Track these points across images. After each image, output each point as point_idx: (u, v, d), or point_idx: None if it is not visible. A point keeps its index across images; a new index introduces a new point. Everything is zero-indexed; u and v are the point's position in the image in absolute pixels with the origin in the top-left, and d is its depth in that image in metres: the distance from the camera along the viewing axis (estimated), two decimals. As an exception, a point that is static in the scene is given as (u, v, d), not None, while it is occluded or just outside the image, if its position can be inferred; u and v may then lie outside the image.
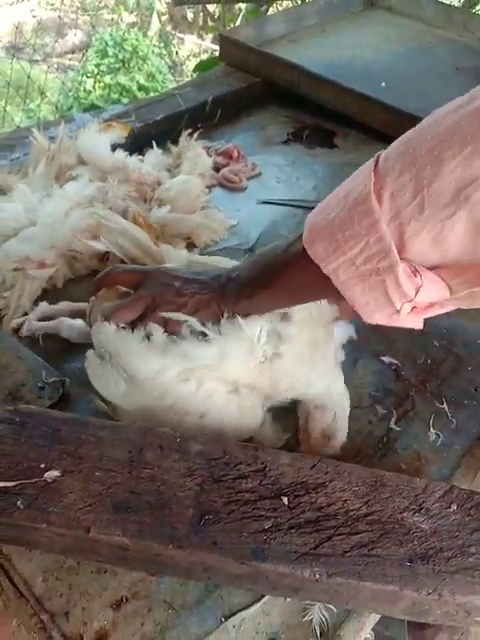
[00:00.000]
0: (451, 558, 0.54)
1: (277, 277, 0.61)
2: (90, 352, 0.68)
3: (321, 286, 0.56)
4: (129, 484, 0.55)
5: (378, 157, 0.52)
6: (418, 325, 0.57)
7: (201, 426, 0.66)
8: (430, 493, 0.59)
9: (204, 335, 0.64)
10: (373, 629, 1.38)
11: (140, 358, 0.63)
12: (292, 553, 0.52)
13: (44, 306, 0.82)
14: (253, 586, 0.56)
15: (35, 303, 0.84)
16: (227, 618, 0.56)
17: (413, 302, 0.52)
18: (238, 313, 0.64)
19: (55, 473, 0.54)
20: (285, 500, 0.56)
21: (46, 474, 0.54)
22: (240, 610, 0.57)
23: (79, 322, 0.77)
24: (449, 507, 0.58)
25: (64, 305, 0.82)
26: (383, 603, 0.55)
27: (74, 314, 0.80)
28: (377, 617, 0.61)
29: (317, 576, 0.52)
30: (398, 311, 0.53)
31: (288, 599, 0.58)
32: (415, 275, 0.51)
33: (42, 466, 0.55)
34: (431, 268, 0.51)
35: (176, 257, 0.80)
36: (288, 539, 0.53)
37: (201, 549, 0.52)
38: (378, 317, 0.55)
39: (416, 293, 0.51)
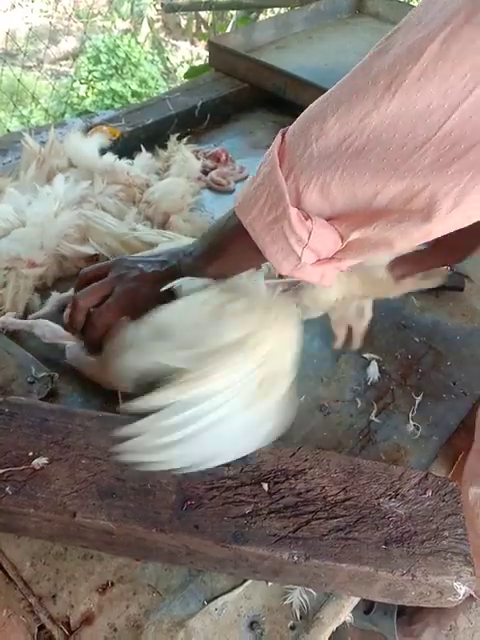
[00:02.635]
0: (425, 541, 0.57)
1: (223, 247, 0.67)
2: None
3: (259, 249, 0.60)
4: (114, 471, 0.57)
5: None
6: (325, 281, 0.60)
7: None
8: (406, 480, 0.61)
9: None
10: (363, 627, 1.41)
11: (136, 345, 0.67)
12: (271, 536, 0.54)
13: (57, 296, 0.84)
14: (234, 570, 0.58)
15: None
16: (209, 602, 0.58)
17: (311, 249, 0.56)
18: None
19: (43, 461, 0.56)
20: (265, 486, 0.58)
21: (34, 462, 0.56)
22: (222, 594, 0.59)
23: (53, 323, 0.79)
24: (424, 493, 0.61)
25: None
26: (360, 585, 0.57)
27: None
28: (356, 600, 0.63)
29: (296, 558, 0.54)
30: (300, 258, 0.57)
31: (269, 583, 0.60)
32: (306, 220, 0.54)
33: (30, 454, 0.57)
34: (328, 219, 0.55)
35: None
36: (268, 523, 0.55)
37: (183, 533, 0.54)
38: (286, 266, 0.58)
39: (309, 236, 0.55)
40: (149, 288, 0.71)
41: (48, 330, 0.77)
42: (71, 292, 0.83)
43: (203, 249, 0.70)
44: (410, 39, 0.45)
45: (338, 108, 0.49)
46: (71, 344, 0.76)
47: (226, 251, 0.67)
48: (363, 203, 0.51)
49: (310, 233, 0.55)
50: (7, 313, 0.82)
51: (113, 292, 0.72)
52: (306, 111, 0.54)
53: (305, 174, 0.52)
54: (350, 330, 0.81)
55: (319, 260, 0.58)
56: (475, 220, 0.49)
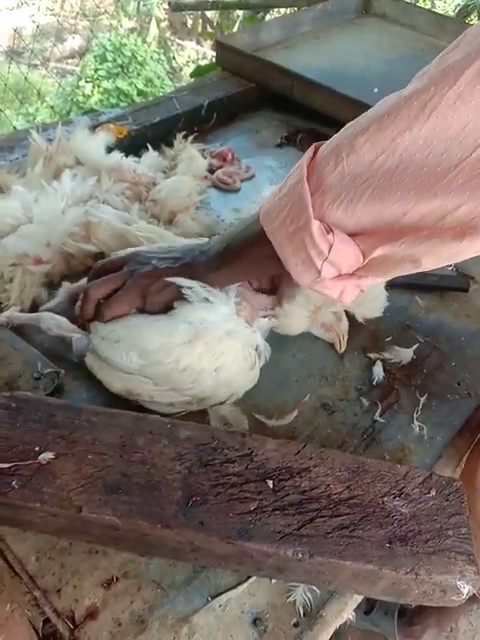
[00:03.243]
0: (429, 540, 0.57)
1: (241, 251, 0.67)
2: (88, 356, 0.73)
3: (277, 258, 0.60)
4: (120, 467, 0.57)
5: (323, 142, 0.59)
6: (345, 297, 0.61)
7: (216, 380, 0.71)
8: (410, 479, 0.61)
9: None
10: (364, 628, 1.41)
11: (150, 329, 0.70)
12: (276, 533, 0.54)
13: (67, 286, 0.85)
14: (239, 566, 0.58)
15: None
16: (213, 598, 0.58)
17: (332, 264, 0.57)
18: (207, 284, 0.70)
19: (49, 455, 0.56)
20: (270, 483, 0.58)
21: (40, 456, 0.56)
22: (226, 590, 0.59)
23: (59, 317, 0.79)
24: (428, 492, 0.61)
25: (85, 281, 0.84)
26: (364, 583, 0.57)
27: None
28: (359, 599, 0.63)
29: (300, 555, 0.54)
30: (320, 272, 0.57)
31: (273, 580, 0.61)
32: (328, 233, 0.55)
33: (37, 449, 0.57)
34: (351, 235, 0.56)
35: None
36: (272, 520, 0.55)
37: (188, 529, 0.54)
38: (306, 279, 0.59)
39: (329, 250, 0.55)
40: (160, 284, 0.71)
41: (53, 323, 0.78)
42: (82, 282, 0.83)
43: (219, 250, 0.70)
44: (445, 62, 0.47)
45: (370, 127, 0.51)
46: (77, 337, 0.76)
47: (243, 256, 0.67)
48: (390, 221, 0.52)
49: (331, 247, 0.55)
50: (11, 307, 0.83)
51: (124, 285, 0.72)
52: (342, 129, 0.56)
53: (333, 190, 0.53)
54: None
55: (339, 275, 0.58)
56: None
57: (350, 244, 0.56)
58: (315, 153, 0.57)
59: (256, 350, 0.75)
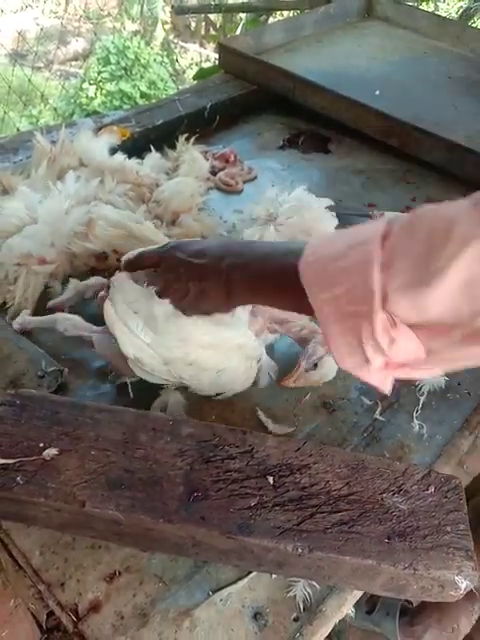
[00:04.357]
0: (427, 536, 0.57)
1: (272, 285, 0.62)
2: (107, 305, 0.73)
3: (308, 308, 0.55)
4: (123, 463, 0.58)
5: (396, 218, 0.53)
6: (385, 386, 0.56)
7: (214, 380, 0.73)
8: (409, 476, 0.62)
9: None
10: (365, 628, 1.41)
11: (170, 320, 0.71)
12: (276, 528, 0.55)
13: (76, 283, 0.86)
14: (239, 561, 0.59)
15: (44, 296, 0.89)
16: (215, 592, 0.59)
17: (385, 356, 0.51)
18: (237, 303, 0.69)
19: (53, 451, 0.57)
20: (270, 480, 0.59)
21: (45, 452, 0.57)
22: (227, 585, 0.60)
23: (74, 316, 0.80)
24: (427, 489, 0.61)
25: (95, 279, 0.86)
26: (363, 578, 0.57)
27: (101, 287, 0.84)
28: (358, 594, 0.63)
29: (299, 550, 0.55)
30: (368, 362, 0.52)
31: (273, 576, 0.61)
32: (392, 328, 0.49)
33: (41, 445, 0.58)
34: (411, 326, 0.50)
35: None
36: (272, 516, 0.56)
37: (190, 523, 0.55)
38: (349, 363, 0.54)
39: (389, 346, 0.50)
40: (196, 288, 0.68)
41: (69, 324, 0.79)
42: (91, 280, 0.85)
43: (252, 275, 0.64)
44: None
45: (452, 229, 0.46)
46: (97, 336, 0.77)
47: (273, 291, 0.62)
48: (467, 317, 0.46)
49: (392, 343, 0.50)
50: (22, 312, 0.83)
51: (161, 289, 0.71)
52: (418, 213, 0.50)
53: (403, 276, 0.47)
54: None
55: (388, 365, 0.53)
56: None
57: (413, 340, 0.50)
58: (390, 228, 0.50)
59: (258, 362, 0.77)
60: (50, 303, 0.85)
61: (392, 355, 0.51)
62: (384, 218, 0.53)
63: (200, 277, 0.67)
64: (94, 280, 0.86)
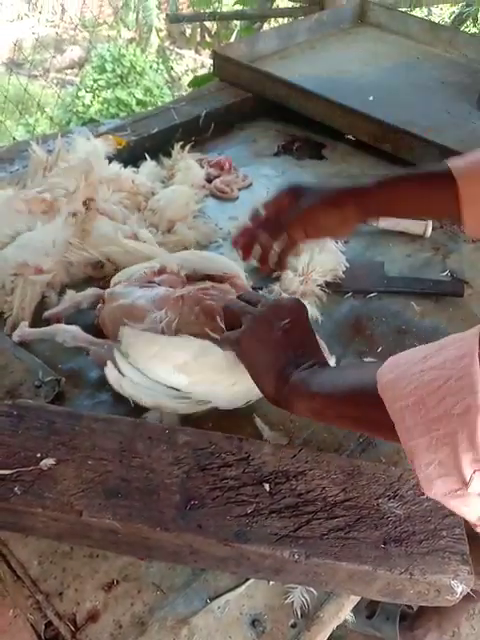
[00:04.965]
0: (423, 541, 0.58)
1: (344, 405, 0.56)
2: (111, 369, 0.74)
3: (390, 432, 0.46)
4: (120, 472, 0.58)
5: None
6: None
7: (230, 389, 0.73)
8: (405, 481, 0.63)
9: None
10: (366, 632, 1.41)
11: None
12: (273, 535, 0.56)
13: (72, 294, 0.86)
14: (237, 568, 0.59)
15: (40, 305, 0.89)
16: (212, 600, 0.59)
17: None
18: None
19: (50, 461, 0.58)
20: (267, 487, 0.59)
21: (42, 462, 0.58)
22: (225, 592, 0.60)
23: (73, 328, 0.81)
24: (422, 494, 0.62)
25: (91, 291, 0.87)
26: (359, 583, 0.58)
27: (97, 298, 0.85)
28: (356, 600, 0.64)
29: (296, 557, 0.55)
30: (466, 484, 0.41)
31: (271, 582, 0.62)
32: None
33: (38, 455, 0.58)
34: None
35: (180, 257, 0.88)
36: (269, 522, 0.57)
37: (187, 532, 0.55)
38: (440, 487, 0.43)
39: None
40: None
41: (69, 336, 0.79)
42: (88, 292, 0.86)
43: (327, 394, 0.58)
44: None
45: None
46: (95, 348, 0.77)
47: (342, 411, 0.56)
48: None
49: None
50: (21, 324, 0.84)
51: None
52: None
53: None
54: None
55: None
56: None
57: None
58: None
59: None
60: (46, 314, 0.85)
61: None
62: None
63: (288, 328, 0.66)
64: (91, 291, 0.86)
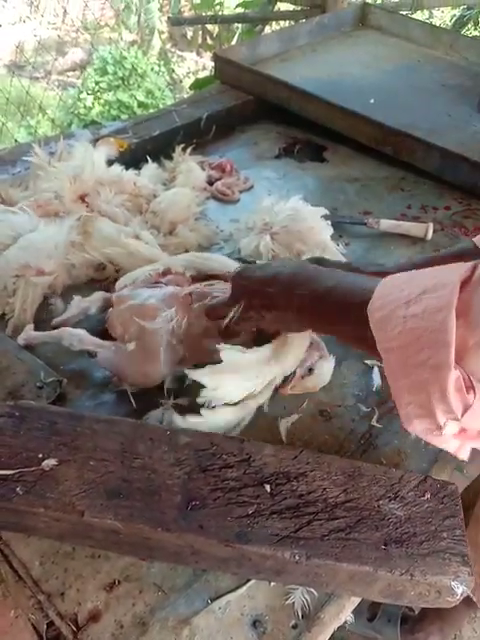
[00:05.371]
0: (424, 542, 0.58)
1: (337, 321, 0.60)
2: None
3: (374, 349, 0.51)
4: (121, 473, 0.59)
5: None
6: (462, 454, 0.51)
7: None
8: (405, 482, 0.63)
9: None
10: (367, 635, 1.41)
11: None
12: (273, 536, 0.56)
13: (79, 299, 0.86)
14: (238, 569, 0.59)
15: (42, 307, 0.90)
16: (213, 600, 0.60)
17: (460, 422, 0.46)
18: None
19: (52, 462, 0.58)
20: (267, 488, 0.59)
21: (44, 463, 0.58)
22: (226, 593, 0.60)
23: (79, 331, 0.81)
24: (423, 495, 0.62)
25: (98, 295, 0.87)
26: (360, 584, 0.58)
27: (104, 302, 0.85)
28: (356, 601, 0.64)
29: (297, 558, 0.55)
30: (441, 428, 0.46)
31: (272, 583, 0.62)
32: (468, 391, 0.44)
33: (40, 456, 0.59)
34: None
35: (183, 259, 0.88)
36: (270, 523, 0.57)
37: (188, 532, 0.55)
38: (417, 426, 0.48)
39: (463, 412, 0.44)
40: (268, 316, 0.68)
41: (76, 339, 0.79)
42: (95, 296, 0.86)
43: (319, 310, 0.62)
44: None
45: None
46: (103, 351, 0.78)
47: (338, 326, 0.60)
48: None
49: (466, 408, 0.44)
50: (26, 327, 0.84)
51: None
52: None
53: None
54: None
55: (464, 431, 0.48)
56: None
57: None
58: (473, 273, 0.45)
59: None
60: (54, 322, 0.85)
61: (466, 422, 0.45)
62: (471, 263, 0.47)
63: (270, 307, 0.67)
64: (98, 295, 0.87)
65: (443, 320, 0.43)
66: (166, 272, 0.85)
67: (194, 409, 0.70)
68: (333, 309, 0.60)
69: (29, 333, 0.83)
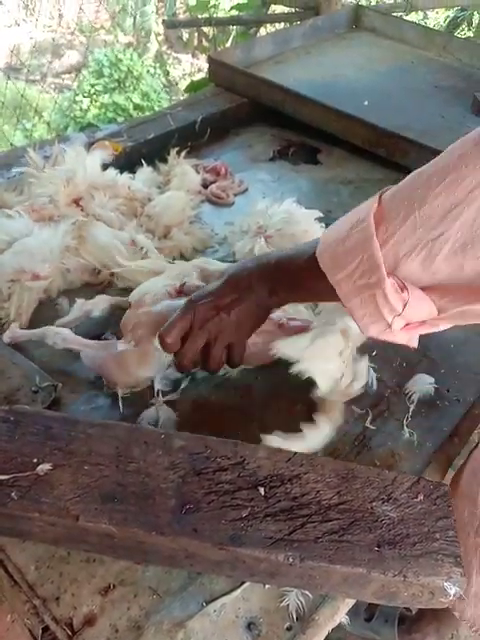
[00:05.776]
0: (417, 543, 0.58)
1: (300, 282, 0.66)
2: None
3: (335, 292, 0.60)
4: (116, 477, 0.59)
5: (387, 189, 0.58)
6: (412, 343, 0.61)
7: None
8: (399, 484, 0.63)
9: None
10: (364, 636, 1.41)
11: None
12: (267, 539, 0.56)
13: (82, 303, 0.86)
14: (232, 572, 0.59)
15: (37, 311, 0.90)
16: (208, 603, 0.60)
17: (403, 317, 0.57)
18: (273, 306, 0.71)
19: (47, 467, 0.58)
20: (261, 491, 0.60)
21: (38, 468, 0.58)
22: (221, 596, 0.61)
23: (63, 330, 0.81)
24: (416, 497, 0.62)
25: (101, 299, 0.87)
26: (354, 586, 0.58)
27: (107, 305, 0.86)
28: (351, 602, 0.64)
29: (291, 560, 0.55)
30: (390, 325, 0.57)
31: (266, 586, 0.62)
32: (403, 291, 0.55)
33: (35, 460, 0.59)
34: (422, 289, 0.56)
35: (192, 266, 0.86)
36: (264, 526, 0.57)
37: (182, 536, 0.55)
38: (373, 330, 0.59)
39: (403, 307, 0.55)
40: (237, 314, 0.69)
41: (59, 338, 0.79)
42: (97, 299, 0.86)
43: (279, 281, 0.67)
44: None
45: (445, 177, 0.50)
46: (86, 351, 0.78)
47: (303, 287, 0.66)
48: (471, 276, 0.51)
49: (405, 304, 0.55)
50: (12, 325, 0.84)
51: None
52: (408, 178, 0.56)
53: (408, 242, 0.53)
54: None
55: (408, 325, 0.58)
56: None
57: (425, 300, 0.56)
58: (380, 202, 0.56)
59: None
60: (57, 323, 0.85)
61: (408, 315, 0.56)
62: (377, 194, 0.58)
63: (235, 304, 0.69)
64: (101, 299, 0.87)
65: (369, 245, 0.54)
66: (181, 288, 0.82)
67: (185, 407, 0.70)
68: (303, 273, 0.66)
69: (15, 331, 0.84)
